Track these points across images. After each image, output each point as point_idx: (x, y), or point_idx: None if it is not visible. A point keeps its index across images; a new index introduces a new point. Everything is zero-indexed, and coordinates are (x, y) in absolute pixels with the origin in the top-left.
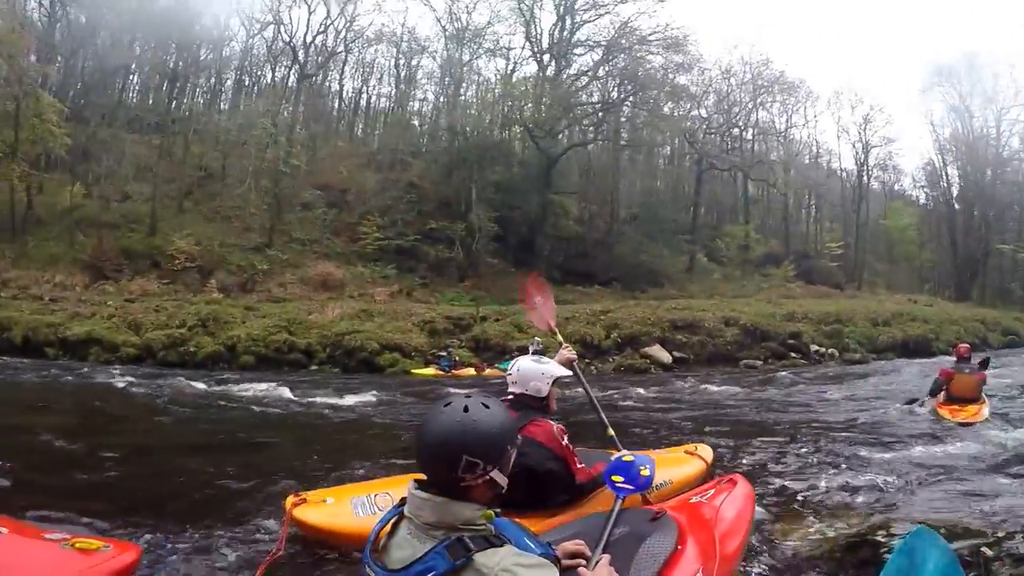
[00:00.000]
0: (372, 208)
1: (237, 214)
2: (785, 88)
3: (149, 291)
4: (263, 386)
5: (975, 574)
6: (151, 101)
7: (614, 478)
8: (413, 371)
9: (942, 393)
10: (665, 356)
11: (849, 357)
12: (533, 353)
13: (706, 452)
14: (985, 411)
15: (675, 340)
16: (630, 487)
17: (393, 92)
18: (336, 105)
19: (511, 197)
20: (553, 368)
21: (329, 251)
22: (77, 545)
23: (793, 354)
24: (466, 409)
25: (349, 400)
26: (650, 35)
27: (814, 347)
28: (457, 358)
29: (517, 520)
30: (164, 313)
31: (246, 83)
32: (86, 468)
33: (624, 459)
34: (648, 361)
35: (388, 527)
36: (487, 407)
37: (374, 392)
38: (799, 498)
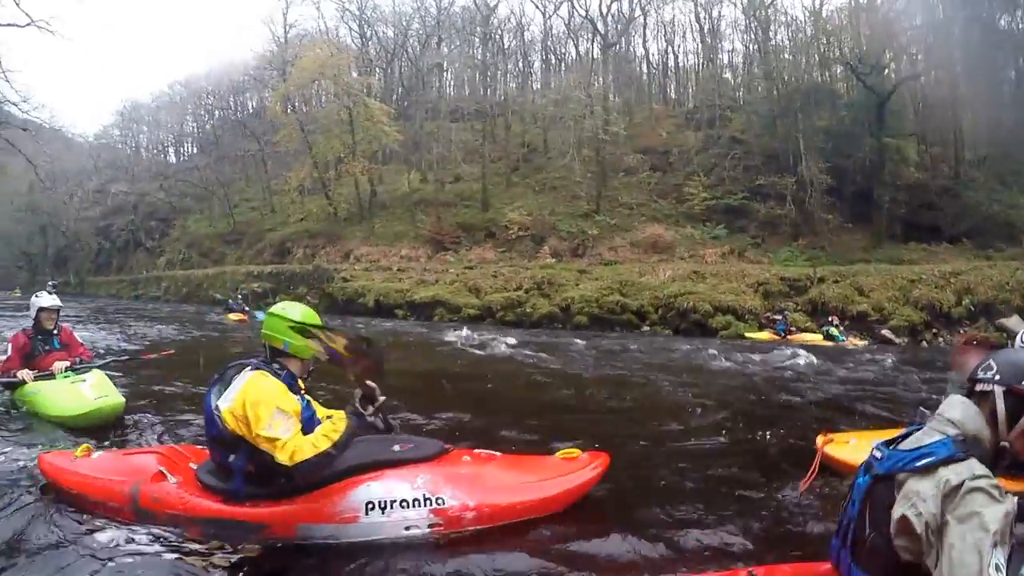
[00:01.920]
0: (696, 168)
1: (563, 184)
2: None
3: (486, 259)
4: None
5: None
6: (467, 92)
7: None
8: (747, 334)
9: None
10: None
11: None
12: (777, 330)
13: None
14: None
15: None
16: None
17: (699, 48)
18: (644, 69)
19: (842, 144)
20: None
21: (656, 213)
22: (561, 455)
23: None
24: None
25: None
26: None
27: None
28: (792, 325)
29: None
30: (501, 278)
31: (552, 62)
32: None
33: None
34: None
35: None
36: None
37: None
38: None
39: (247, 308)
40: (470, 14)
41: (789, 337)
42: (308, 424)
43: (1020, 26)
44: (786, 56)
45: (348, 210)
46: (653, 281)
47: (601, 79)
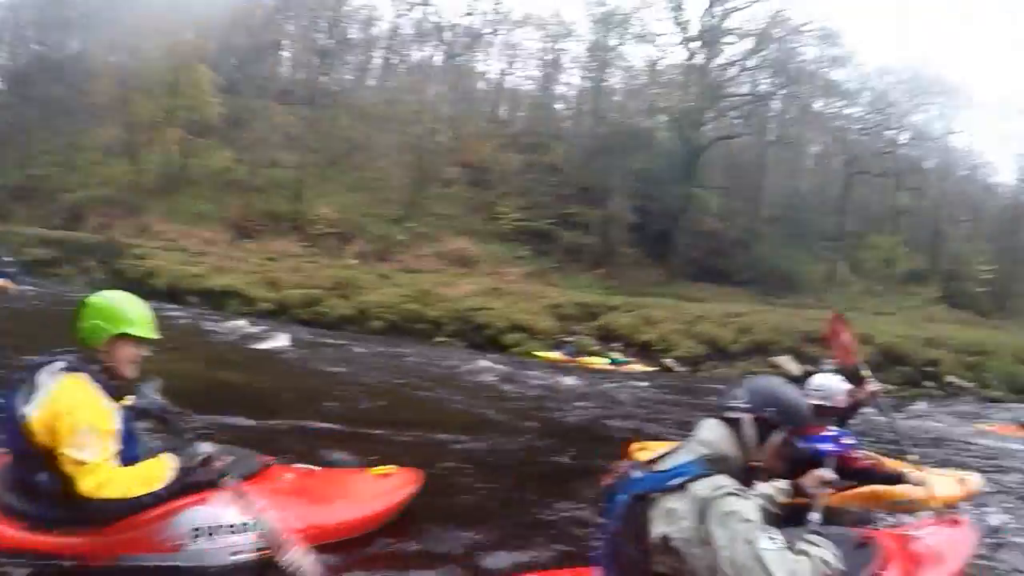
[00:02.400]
0: (512, 189)
1: (379, 185)
2: (945, 91)
3: (289, 252)
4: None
5: None
6: (303, 76)
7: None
8: (537, 354)
9: None
10: (794, 368)
11: (988, 394)
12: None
13: (975, 482)
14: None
15: (807, 353)
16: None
17: (537, 75)
18: (480, 86)
19: (652, 187)
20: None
21: (466, 228)
22: (376, 472)
23: (927, 383)
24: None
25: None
26: (803, 25)
27: (950, 378)
28: (582, 348)
29: None
30: (302, 274)
31: (393, 61)
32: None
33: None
34: (777, 371)
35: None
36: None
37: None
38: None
39: (17, 275)
40: None
41: (577, 360)
42: (127, 443)
43: (829, 110)
44: (616, 99)
45: (154, 181)
46: (452, 293)
47: (437, 87)
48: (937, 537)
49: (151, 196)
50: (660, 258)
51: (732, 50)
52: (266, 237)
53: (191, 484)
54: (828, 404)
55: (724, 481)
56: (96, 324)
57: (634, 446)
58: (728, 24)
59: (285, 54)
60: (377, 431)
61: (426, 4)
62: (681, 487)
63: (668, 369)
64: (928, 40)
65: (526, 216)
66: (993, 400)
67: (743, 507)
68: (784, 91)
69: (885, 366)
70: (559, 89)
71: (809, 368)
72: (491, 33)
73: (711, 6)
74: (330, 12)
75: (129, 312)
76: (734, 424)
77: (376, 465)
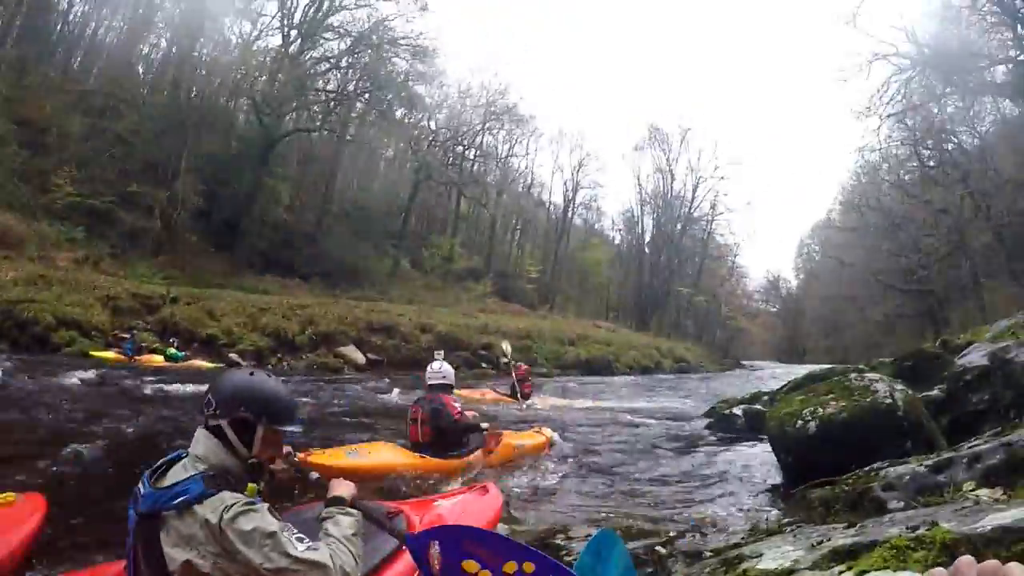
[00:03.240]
0: (71, 157)
1: None
2: (515, 119)
3: None
4: None
5: (651, 570)
6: None
7: None
8: (92, 353)
9: None
10: (359, 357)
11: (536, 371)
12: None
13: (548, 432)
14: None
15: (370, 342)
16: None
17: (124, 28)
18: (58, 27)
19: (224, 172)
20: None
21: (12, 199)
22: None
23: (484, 364)
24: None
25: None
26: (402, 39)
27: (504, 359)
28: (143, 343)
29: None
30: None
31: None
32: None
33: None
34: (342, 361)
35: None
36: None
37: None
38: None
39: None
40: None
41: (138, 358)
42: None
43: (409, 120)
44: (202, 72)
45: None
46: None
47: (5, 18)
48: (464, 504)
49: None
50: (226, 248)
51: (329, 46)
52: None
53: None
54: (448, 382)
55: (229, 499)
56: None
57: (302, 454)
58: (331, 20)
59: None
60: None
61: None
62: (188, 507)
63: (235, 364)
64: (507, 72)
65: (83, 191)
66: (542, 375)
67: (258, 521)
68: (369, 95)
69: (446, 352)
70: (145, 49)
71: (372, 356)
72: None
73: None
74: None
75: None
76: (218, 433)
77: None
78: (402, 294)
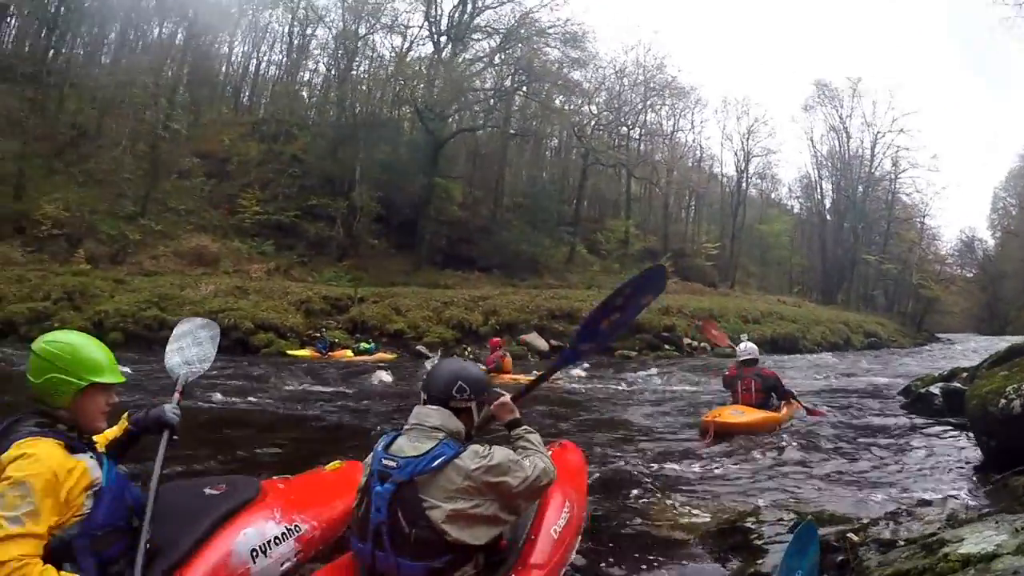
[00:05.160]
0: (253, 180)
1: (110, 179)
2: (675, 92)
3: (11, 260)
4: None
5: (842, 558)
6: (27, 48)
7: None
8: (289, 352)
9: None
10: (542, 344)
11: (720, 351)
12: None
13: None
14: None
15: (552, 328)
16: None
17: (284, 60)
18: (224, 69)
19: (396, 178)
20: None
21: (206, 223)
22: (330, 468)
23: (667, 346)
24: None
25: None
26: (550, 28)
27: (687, 340)
28: (335, 340)
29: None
30: (27, 284)
31: (131, 37)
32: None
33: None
34: (526, 348)
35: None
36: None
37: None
38: (666, 485)
39: None
40: None
41: (331, 354)
42: (117, 496)
43: (569, 107)
44: (363, 88)
45: None
46: (194, 296)
47: (176, 68)
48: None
49: None
50: (407, 248)
51: (479, 46)
52: None
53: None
54: (756, 356)
55: (480, 449)
56: (60, 378)
57: (712, 413)
58: (478, 21)
59: (9, 22)
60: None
61: None
62: (444, 466)
63: (422, 355)
64: (664, 46)
65: (268, 209)
66: (726, 356)
67: (502, 456)
68: (526, 88)
69: (626, 335)
70: (305, 76)
71: (555, 343)
72: (238, 12)
73: (462, 3)
74: None
75: (97, 358)
76: (461, 412)
77: (322, 463)
78: (581, 280)
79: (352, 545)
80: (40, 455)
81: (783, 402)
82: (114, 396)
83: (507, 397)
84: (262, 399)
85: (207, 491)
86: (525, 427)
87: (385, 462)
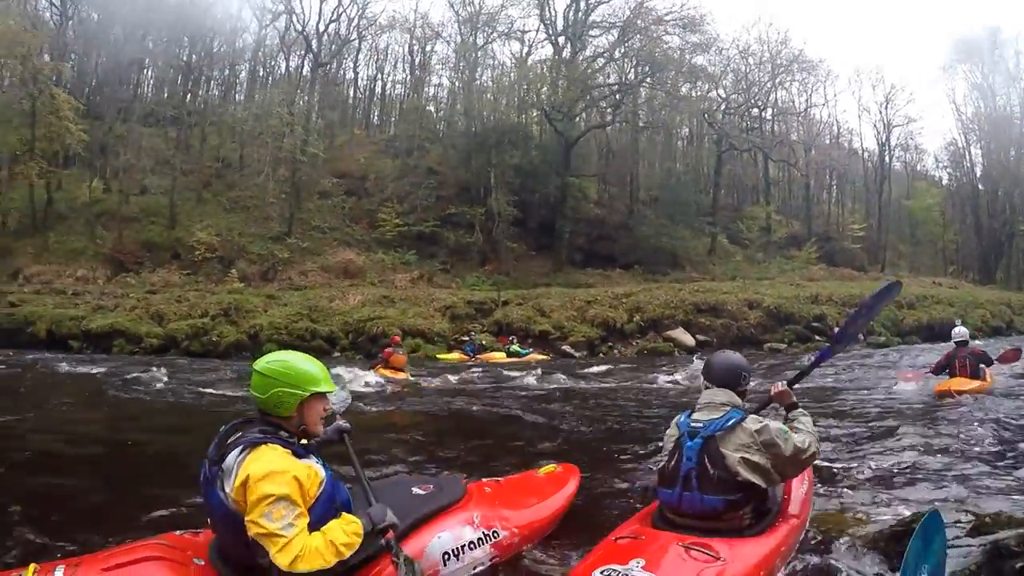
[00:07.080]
0: (391, 195)
1: (256, 204)
2: (804, 67)
3: (171, 283)
4: None
5: (1021, 564)
6: (166, 95)
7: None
8: (438, 356)
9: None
10: (688, 339)
11: (873, 340)
12: (468, 351)
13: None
14: None
15: (698, 323)
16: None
17: (408, 79)
18: (351, 93)
19: (530, 181)
20: None
21: (349, 238)
22: (544, 471)
23: (818, 337)
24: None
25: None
26: (666, 15)
27: (838, 330)
28: (483, 342)
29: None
30: (186, 304)
31: (260, 74)
32: None
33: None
34: (672, 344)
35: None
36: None
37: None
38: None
39: None
40: (183, 10)
41: (478, 357)
42: (332, 494)
43: (696, 93)
44: (488, 96)
45: (20, 220)
46: (343, 306)
47: (307, 98)
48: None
49: (18, 237)
50: (546, 249)
51: (598, 42)
52: (145, 268)
53: (369, 556)
54: (967, 339)
55: (756, 416)
56: (285, 392)
57: (944, 384)
58: (593, 18)
59: (147, 73)
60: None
61: (291, 13)
62: (735, 426)
63: (568, 355)
64: (785, 19)
65: (408, 221)
66: (880, 345)
67: (774, 427)
68: (650, 79)
69: (775, 326)
70: (430, 91)
71: (701, 337)
72: (358, 39)
73: (575, 2)
74: (192, 26)
75: (313, 371)
76: (743, 393)
77: (537, 466)
78: (724, 271)
79: (658, 494)
80: (286, 468)
81: (987, 369)
82: (329, 403)
83: (784, 385)
84: (457, 400)
85: (415, 490)
86: (800, 410)
87: (693, 424)
